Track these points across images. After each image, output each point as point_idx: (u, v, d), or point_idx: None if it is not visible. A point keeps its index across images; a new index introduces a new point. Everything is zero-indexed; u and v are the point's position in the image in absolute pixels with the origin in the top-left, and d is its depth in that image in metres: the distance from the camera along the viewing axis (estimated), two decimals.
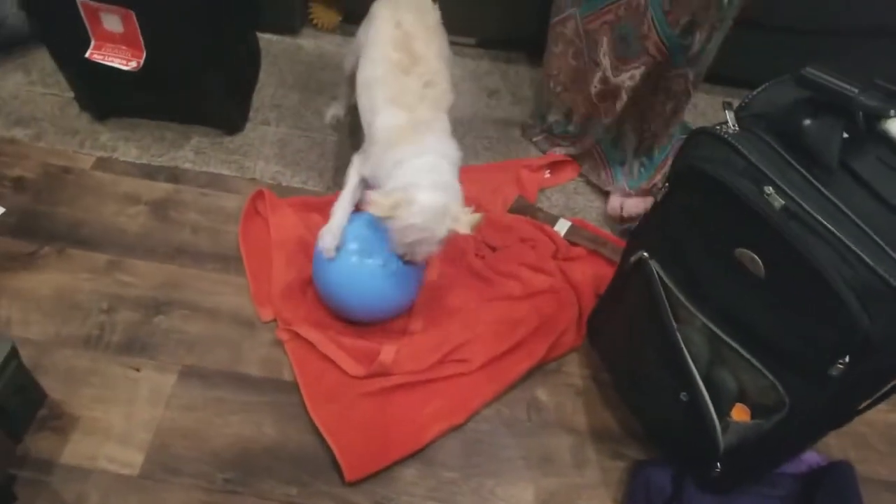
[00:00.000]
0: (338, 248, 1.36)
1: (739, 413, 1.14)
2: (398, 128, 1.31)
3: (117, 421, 1.32)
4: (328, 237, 1.36)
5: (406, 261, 1.34)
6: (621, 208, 1.74)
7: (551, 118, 1.85)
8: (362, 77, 1.43)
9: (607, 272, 1.44)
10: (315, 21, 2.12)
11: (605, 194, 1.81)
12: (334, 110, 1.83)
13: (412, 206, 1.21)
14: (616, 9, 1.53)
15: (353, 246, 1.37)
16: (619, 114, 1.67)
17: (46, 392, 1.32)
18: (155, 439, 1.30)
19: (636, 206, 1.73)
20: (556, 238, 1.66)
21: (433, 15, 1.51)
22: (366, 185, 1.39)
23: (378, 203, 1.21)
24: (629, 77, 1.58)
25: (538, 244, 1.64)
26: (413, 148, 1.29)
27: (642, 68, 1.55)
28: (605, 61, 1.60)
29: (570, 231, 1.68)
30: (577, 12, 1.63)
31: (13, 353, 1.22)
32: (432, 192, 1.23)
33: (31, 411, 1.30)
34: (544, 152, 1.89)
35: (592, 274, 1.58)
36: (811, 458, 1.35)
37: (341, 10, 2.12)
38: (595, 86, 1.66)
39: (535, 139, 1.91)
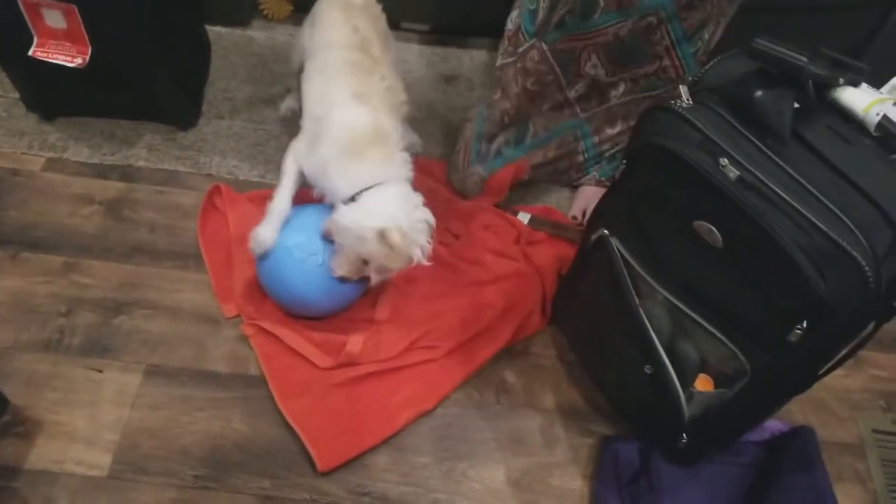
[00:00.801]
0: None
1: (703, 383, 1.16)
2: (361, 132, 1.27)
3: (82, 423, 1.30)
4: (261, 238, 1.31)
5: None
6: (583, 214, 1.71)
7: (500, 139, 1.72)
8: (315, 65, 1.39)
9: (570, 253, 1.46)
10: (266, 12, 2.09)
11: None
12: (289, 102, 1.80)
13: (411, 253, 1.23)
14: (616, 30, 1.46)
15: (295, 240, 1.33)
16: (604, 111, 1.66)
17: (8, 398, 1.29)
18: (122, 440, 1.29)
19: None
20: (517, 224, 1.66)
21: (384, 22, 1.50)
22: (302, 177, 1.35)
23: (392, 241, 1.20)
24: (631, 72, 1.56)
25: (500, 230, 1.65)
26: (384, 170, 1.26)
27: (647, 65, 1.54)
28: (595, 72, 1.57)
29: (531, 221, 1.68)
30: (538, 42, 1.55)
31: None
32: (419, 235, 1.25)
33: None
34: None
35: (555, 256, 1.59)
36: (774, 425, 1.39)
37: (292, 0, 2.09)
38: (576, 90, 1.62)
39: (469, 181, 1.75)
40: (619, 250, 1.19)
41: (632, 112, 1.66)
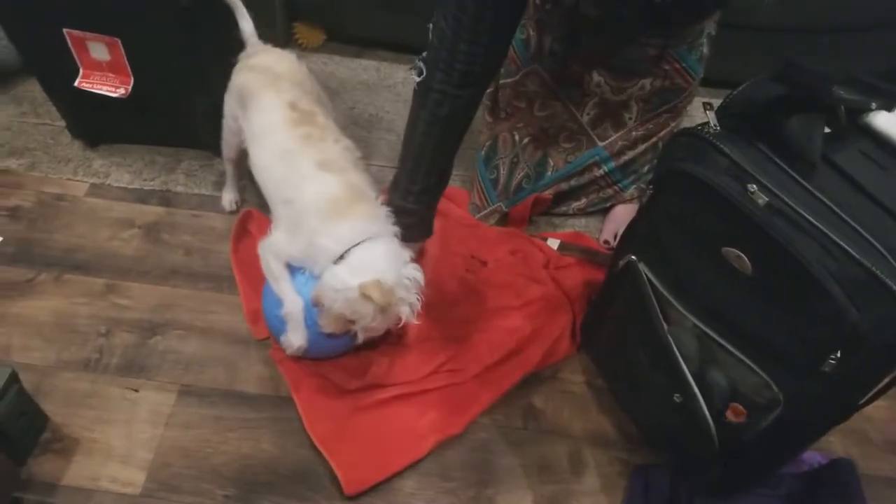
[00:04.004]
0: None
1: (735, 413, 1.14)
2: (337, 196, 1.26)
3: (118, 441, 1.32)
4: (296, 344, 1.31)
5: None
6: (615, 237, 1.70)
7: (519, 174, 1.73)
8: (266, 151, 1.37)
9: (599, 278, 1.45)
10: (299, 41, 2.13)
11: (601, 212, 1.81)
12: (230, 195, 1.74)
13: (396, 310, 1.21)
14: (602, 47, 1.48)
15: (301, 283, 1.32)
16: (626, 131, 1.64)
17: (48, 416, 1.33)
18: (155, 458, 1.31)
19: None
20: (545, 248, 1.66)
21: (312, 80, 1.48)
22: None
23: (372, 295, 1.17)
24: (639, 88, 1.55)
25: (528, 255, 1.65)
26: (371, 226, 1.25)
27: (651, 77, 1.53)
28: (601, 89, 1.56)
29: (560, 247, 1.68)
30: (538, 67, 1.58)
31: (13, 379, 1.23)
32: (407, 293, 1.22)
33: (33, 435, 1.30)
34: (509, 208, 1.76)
35: (584, 281, 1.59)
36: (812, 456, 1.35)
37: (325, 30, 2.13)
38: (587, 113, 1.63)
39: (491, 219, 1.78)
40: (647, 276, 1.18)
41: (651, 131, 1.65)
